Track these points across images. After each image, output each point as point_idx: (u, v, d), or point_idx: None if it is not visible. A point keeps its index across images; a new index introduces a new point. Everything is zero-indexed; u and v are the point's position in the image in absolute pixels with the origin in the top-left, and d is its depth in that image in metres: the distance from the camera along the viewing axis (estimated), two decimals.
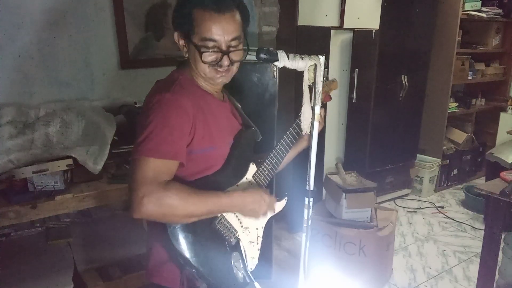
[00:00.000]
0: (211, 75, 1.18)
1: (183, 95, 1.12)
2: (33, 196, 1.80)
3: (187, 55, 1.19)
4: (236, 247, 1.25)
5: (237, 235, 1.25)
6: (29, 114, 2.09)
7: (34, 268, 2.08)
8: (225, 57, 1.15)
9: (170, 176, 1.07)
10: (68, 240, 2.32)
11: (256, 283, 1.26)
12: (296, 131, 1.37)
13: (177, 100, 1.10)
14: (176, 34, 1.18)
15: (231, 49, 1.15)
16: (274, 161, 1.33)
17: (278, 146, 1.34)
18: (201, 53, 1.13)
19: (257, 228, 1.32)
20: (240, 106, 1.40)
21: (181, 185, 1.06)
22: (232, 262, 1.22)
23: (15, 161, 1.81)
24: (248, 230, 1.29)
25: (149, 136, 1.05)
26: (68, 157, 1.88)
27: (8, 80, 2.20)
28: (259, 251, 1.34)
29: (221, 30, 1.12)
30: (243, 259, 1.26)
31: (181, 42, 1.18)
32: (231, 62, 1.17)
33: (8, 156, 1.81)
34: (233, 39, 1.14)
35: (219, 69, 1.17)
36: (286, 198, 1.38)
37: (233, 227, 1.24)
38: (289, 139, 1.37)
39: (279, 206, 1.36)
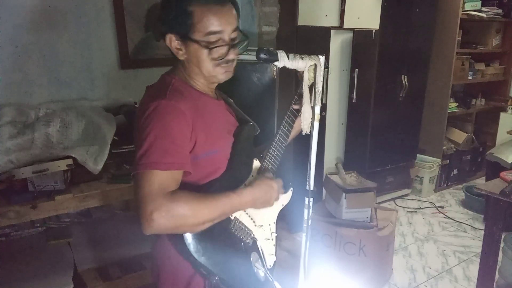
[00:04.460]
0: (216, 73, 1.15)
1: (180, 99, 1.09)
2: (33, 196, 1.79)
3: (183, 57, 1.14)
4: (254, 247, 1.25)
5: (252, 235, 1.25)
6: (29, 114, 2.09)
7: (34, 268, 2.08)
8: (231, 50, 1.14)
9: (176, 186, 1.04)
10: (68, 240, 2.32)
11: (276, 283, 1.26)
12: (291, 118, 1.34)
13: (174, 106, 1.06)
14: (169, 37, 1.12)
15: (234, 41, 1.14)
16: (276, 153, 1.31)
17: (277, 137, 1.31)
18: (210, 49, 1.11)
19: (269, 224, 1.32)
20: (232, 101, 1.37)
21: (189, 192, 1.04)
22: (252, 263, 1.23)
23: (15, 161, 1.81)
24: (263, 228, 1.29)
25: (150, 148, 1.01)
26: (68, 157, 1.88)
27: (8, 80, 2.20)
28: (275, 247, 1.34)
29: (225, 21, 1.10)
30: (261, 258, 1.27)
31: (176, 44, 1.13)
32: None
33: (8, 156, 1.81)
34: (234, 30, 1.14)
35: (223, 65, 1.15)
36: (292, 189, 1.36)
37: (247, 227, 1.23)
38: (286, 128, 1.33)
39: (286, 198, 1.34)
